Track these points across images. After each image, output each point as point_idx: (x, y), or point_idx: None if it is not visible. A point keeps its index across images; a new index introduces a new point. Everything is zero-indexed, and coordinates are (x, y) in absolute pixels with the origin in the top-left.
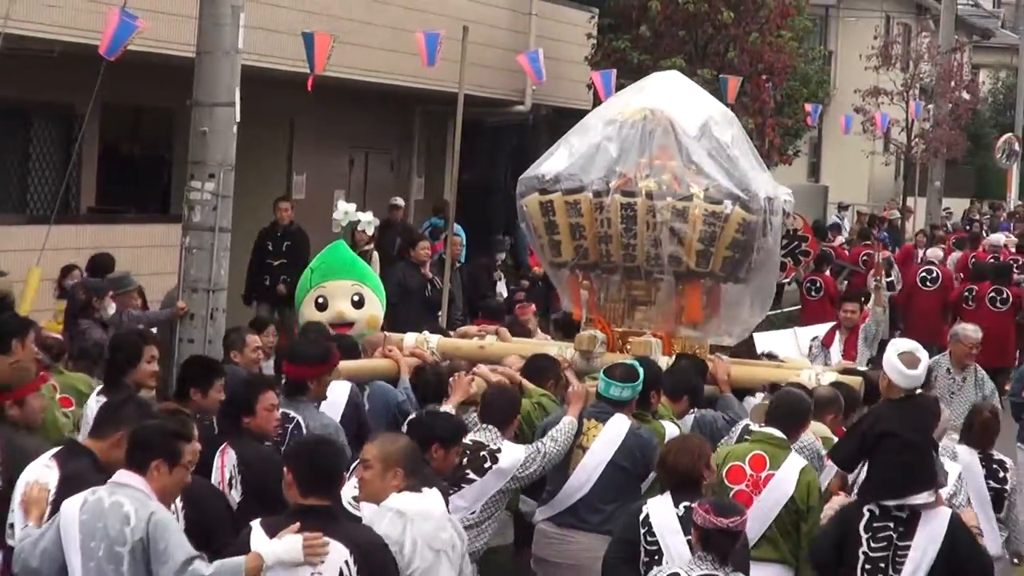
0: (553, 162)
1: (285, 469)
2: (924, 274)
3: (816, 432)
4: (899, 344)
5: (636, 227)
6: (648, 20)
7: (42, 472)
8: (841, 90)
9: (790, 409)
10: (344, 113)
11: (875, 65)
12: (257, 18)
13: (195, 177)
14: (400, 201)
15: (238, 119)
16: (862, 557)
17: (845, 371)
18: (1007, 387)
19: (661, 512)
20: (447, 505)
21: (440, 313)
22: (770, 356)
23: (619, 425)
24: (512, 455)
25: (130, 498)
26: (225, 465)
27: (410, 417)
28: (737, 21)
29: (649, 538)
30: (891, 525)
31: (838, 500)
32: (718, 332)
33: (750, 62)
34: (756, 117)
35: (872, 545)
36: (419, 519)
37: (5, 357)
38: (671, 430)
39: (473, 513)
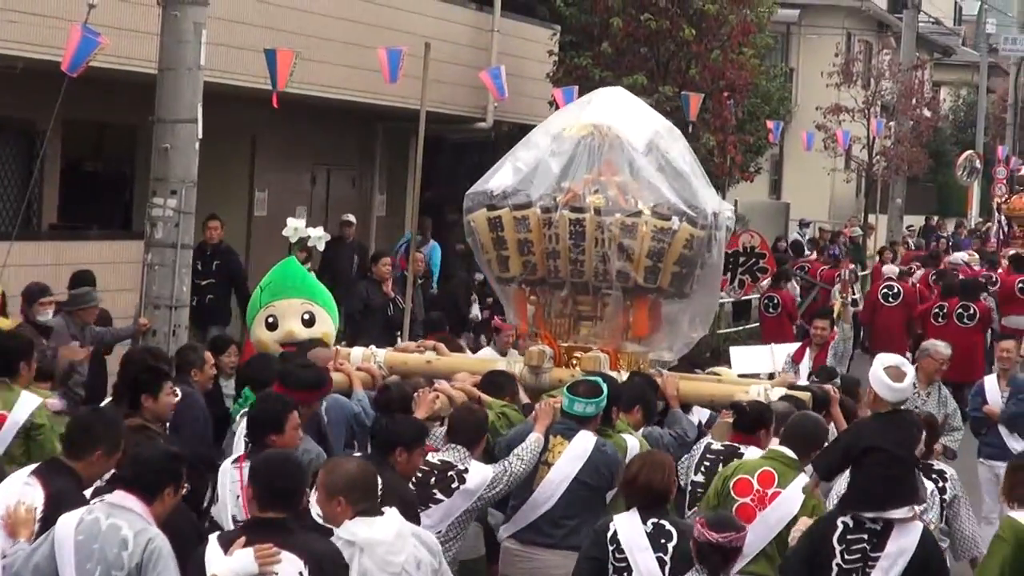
0: (500, 177)
1: (247, 483)
2: (886, 290)
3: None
4: (885, 359)
5: (584, 243)
6: (610, 37)
7: (23, 491)
8: (802, 107)
9: (806, 432)
10: (306, 130)
11: (836, 82)
12: (219, 35)
13: (157, 194)
14: (351, 218)
15: (200, 136)
16: (835, 569)
17: (792, 386)
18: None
19: (629, 529)
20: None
21: (399, 333)
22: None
23: (585, 441)
24: (479, 475)
25: (127, 522)
26: (244, 479)
27: (373, 423)
28: (699, 38)
29: (618, 555)
30: (864, 537)
31: (806, 521)
32: (661, 347)
33: (712, 79)
34: (718, 134)
35: (846, 557)
36: (368, 547)
37: None
38: (632, 443)
39: (439, 532)
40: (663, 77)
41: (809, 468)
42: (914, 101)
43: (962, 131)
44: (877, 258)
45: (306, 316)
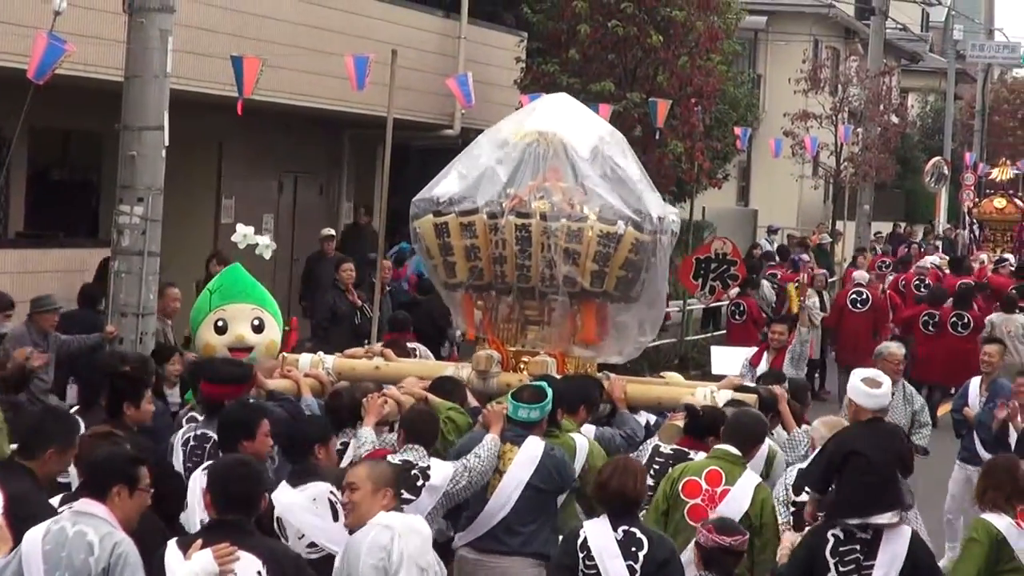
0: (446, 184)
1: (203, 490)
2: (854, 296)
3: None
4: (860, 372)
5: (531, 248)
6: (577, 44)
7: None
8: (770, 114)
9: (747, 428)
10: (273, 137)
11: (804, 89)
12: (186, 42)
13: (124, 201)
14: (331, 231)
15: (167, 143)
16: None
17: (738, 388)
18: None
19: (600, 536)
20: None
21: (367, 341)
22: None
23: (534, 447)
24: (442, 471)
25: (93, 528)
26: None
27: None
28: (666, 45)
29: (588, 562)
30: (856, 547)
31: (789, 538)
32: (610, 352)
33: (679, 86)
34: (685, 140)
35: (840, 569)
36: (407, 533)
37: None
38: (581, 442)
39: None
40: (631, 84)
41: (752, 463)
42: (882, 107)
43: (930, 137)
44: (845, 264)
45: (256, 322)
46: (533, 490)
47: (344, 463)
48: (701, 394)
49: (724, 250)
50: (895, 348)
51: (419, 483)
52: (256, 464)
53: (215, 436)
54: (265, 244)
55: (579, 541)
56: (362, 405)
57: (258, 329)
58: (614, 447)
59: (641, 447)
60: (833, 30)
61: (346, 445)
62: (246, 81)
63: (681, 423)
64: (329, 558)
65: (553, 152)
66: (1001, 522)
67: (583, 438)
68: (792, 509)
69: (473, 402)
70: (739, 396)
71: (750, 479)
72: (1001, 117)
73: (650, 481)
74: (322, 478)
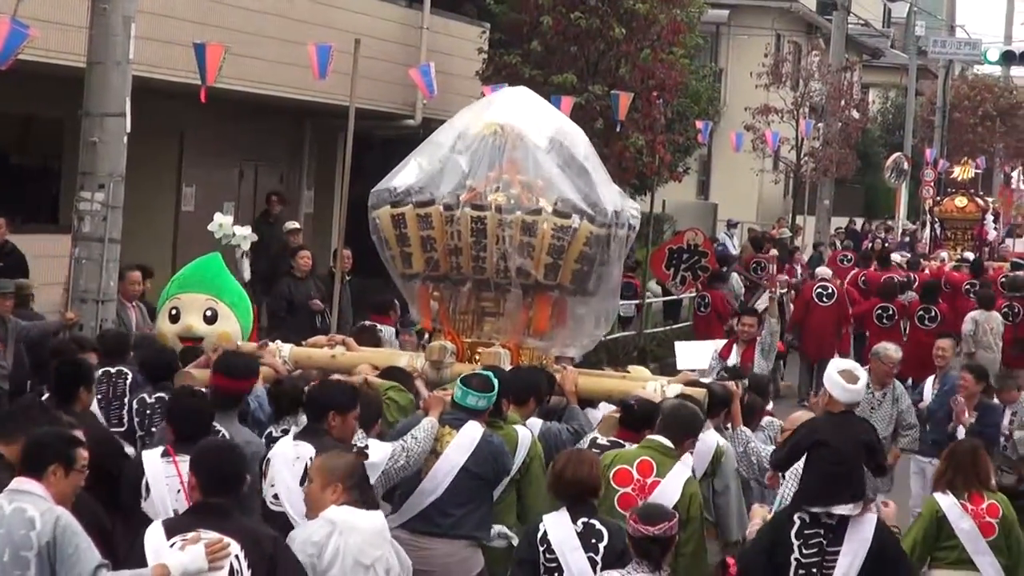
0: (404, 175)
1: (189, 472)
2: (820, 290)
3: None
4: (838, 363)
5: (486, 240)
6: (540, 35)
7: None
8: (731, 107)
9: (681, 421)
10: (234, 125)
11: (765, 83)
12: (148, 29)
13: (85, 187)
14: (297, 225)
15: (128, 130)
16: (794, 563)
17: (689, 383)
18: None
19: (559, 529)
20: None
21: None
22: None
23: (473, 431)
24: (381, 450)
25: (32, 503)
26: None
27: (307, 390)
28: (629, 38)
29: (548, 555)
30: (821, 532)
31: (761, 513)
32: (565, 344)
33: (641, 79)
34: (647, 133)
35: (804, 551)
36: (346, 531)
37: None
38: (524, 434)
39: None
40: (593, 76)
41: (686, 457)
42: (843, 103)
43: (890, 133)
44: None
45: (208, 312)
46: (467, 474)
47: None
48: (652, 388)
49: (696, 241)
50: (892, 351)
51: None
52: (239, 447)
53: (224, 430)
54: (243, 235)
55: (539, 535)
56: (304, 392)
57: (211, 320)
58: (560, 442)
59: (578, 438)
60: (795, 25)
61: (286, 432)
62: (209, 69)
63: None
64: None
65: (511, 144)
66: (945, 501)
67: (527, 431)
68: None
69: (425, 393)
70: (689, 391)
71: (681, 473)
72: (962, 114)
73: None
74: (318, 443)
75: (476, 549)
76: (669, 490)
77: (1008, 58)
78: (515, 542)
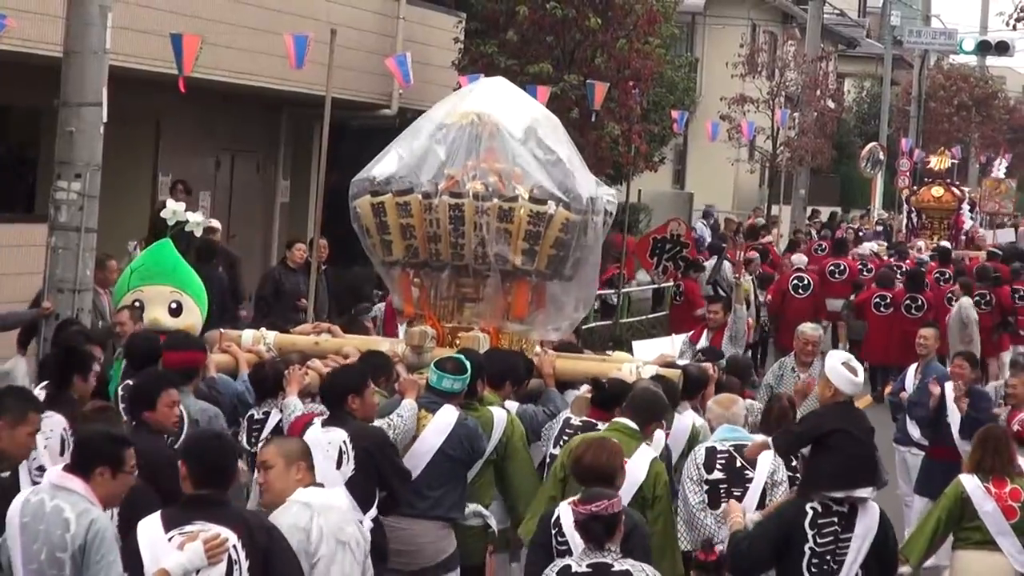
0: (384, 165)
1: (179, 463)
2: (796, 281)
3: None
4: (837, 355)
5: (464, 227)
6: (515, 25)
7: None
8: (707, 97)
9: (646, 404)
10: (211, 115)
11: (741, 73)
12: (125, 18)
13: (61, 177)
14: (216, 224)
15: (105, 119)
16: (808, 552)
17: (665, 364)
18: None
19: (571, 514)
20: None
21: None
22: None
23: (448, 415)
24: None
25: (71, 503)
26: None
27: (321, 382)
28: (605, 27)
29: (559, 539)
30: (835, 520)
31: (737, 507)
32: (545, 328)
33: (617, 68)
34: (623, 123)
35: (818, 540)
36: (324, 510)
37: None
38: (499, 415)
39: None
40: (568, 66)
41: (653, 439)
42: (818, 92)
43: (866, 123)
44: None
45: (173, 305)
46: (443, 456)
47: (268, 431)
48: (627, 369)
49: (679, 231)
50: (810, 330)
51: None
52: (229, 438)
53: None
54: (196, 221)
55: (552, 519)
56: (284, 376)
57: (176, 312)
58: (536, 423)
59: (553, 420)
60: (771, 14)
61: (267, 415)
62: (185, 59)
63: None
64: None
65: (489, 133)
66: (970, 482)
67: (502, 412)
68: (706, 487)
69: (405, 375)
70: (664, 372)
71: (645, 453)
72: (937, 104)
73: (557, 451)
74: (346, 426)
75: (450, 530)
76: (635, 470)
77: (983, 48)
78: (491, 521)
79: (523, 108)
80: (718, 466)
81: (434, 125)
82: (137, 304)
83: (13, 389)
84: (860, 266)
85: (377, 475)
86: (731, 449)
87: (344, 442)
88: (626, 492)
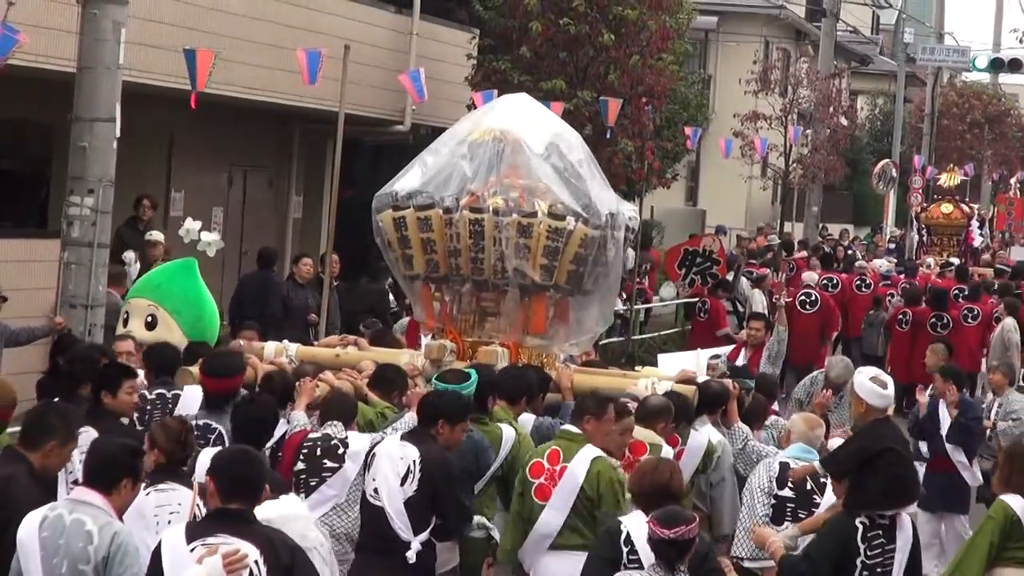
0: (407, 180)
1: (207, 478)
2: (803, 297)
3: (645, 439)
4: (866, 371)
5: (484, 242)
6: (529, 41)
7: None
8: (720, 114)
9: (584, 408)
10: (224, 130)
11: (754, 90)
12: (138, 34)
13: (74, 192)
14: (159, 237)
15: (118, 135)
16: (859, 566)
17: (682, 380)
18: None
19: (641, 528)
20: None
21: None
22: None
23: None
24: (360, 441)
25: (91, 516)
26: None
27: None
28: (618, 44)
29: (631, 556)
30: (880, 533)
31: (769, 534)
32: (565, 342)
33: (631, 85)
34: (636, 140)
35: (869, 554)
36: (284, 522)
37: None
38: (508, 432)
39: (344, 500)
40: (582, 82)
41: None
42: (831, 109)
43: (879, 140)
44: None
45: (148, 319)
46: None
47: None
48: (644, 384)
49: (712, 248)
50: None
51: (340, 451)
52: (257, 453)
53: (220, 428)
54: (208, 241)
55: (622, 536)
56: (296, 388)
57: (150, 326)
58: (551, 437)
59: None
60: (784, 31)
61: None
62: (199, 74)
63: None
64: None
65: (512, 149)
66: (1017, 503)
67: (511, 429)
68: (773, 501)
69: (424, 390)
70: (679, 388)
71: (587, 453)
72: (950, 121)
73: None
74: (422, 446)
75: (455, 543)
76: (576, 472)
77: (996, 65)
78: (494, 533)
79: (545, 123)
80: (790, 484)
81: (457, 141)
82: (125, 315)
83: (57, 408)
84: (857, 281)
85: (435, 502)
86: None
87: (414, 461)
88: (571, 493)
